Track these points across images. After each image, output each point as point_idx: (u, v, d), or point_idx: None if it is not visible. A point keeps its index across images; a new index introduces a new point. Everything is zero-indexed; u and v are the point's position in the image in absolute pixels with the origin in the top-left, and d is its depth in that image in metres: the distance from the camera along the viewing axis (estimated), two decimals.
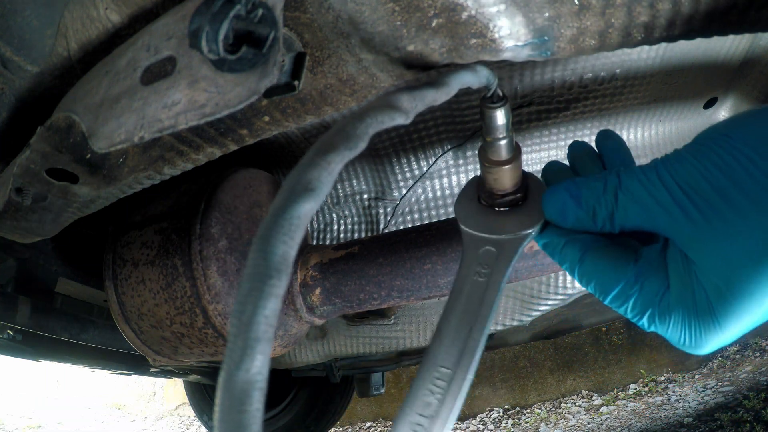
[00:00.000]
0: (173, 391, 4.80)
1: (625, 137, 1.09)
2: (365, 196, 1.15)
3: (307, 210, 0.26)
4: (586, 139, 1.07)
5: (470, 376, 0.43)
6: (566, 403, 3.39)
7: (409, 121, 0.35)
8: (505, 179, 0.55)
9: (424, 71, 0.48)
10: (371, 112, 0.32)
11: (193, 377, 1.94)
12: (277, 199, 0.26)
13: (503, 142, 0.52)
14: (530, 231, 0.51)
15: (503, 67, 0.91)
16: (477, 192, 0.57)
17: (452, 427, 0.41)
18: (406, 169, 1.10)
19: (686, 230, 0.39)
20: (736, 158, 0.37)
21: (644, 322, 0.43)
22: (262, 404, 0.23)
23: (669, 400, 3.02)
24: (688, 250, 0.39)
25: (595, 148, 0.54)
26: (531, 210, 0.53)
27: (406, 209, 1.13)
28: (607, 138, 0.52)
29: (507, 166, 0.53)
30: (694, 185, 0.38)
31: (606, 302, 0.45)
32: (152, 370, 1.71)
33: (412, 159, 1.09)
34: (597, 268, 0.45)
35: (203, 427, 2.64)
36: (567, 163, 0.56)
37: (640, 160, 1.11)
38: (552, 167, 0.54)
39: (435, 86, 0.40)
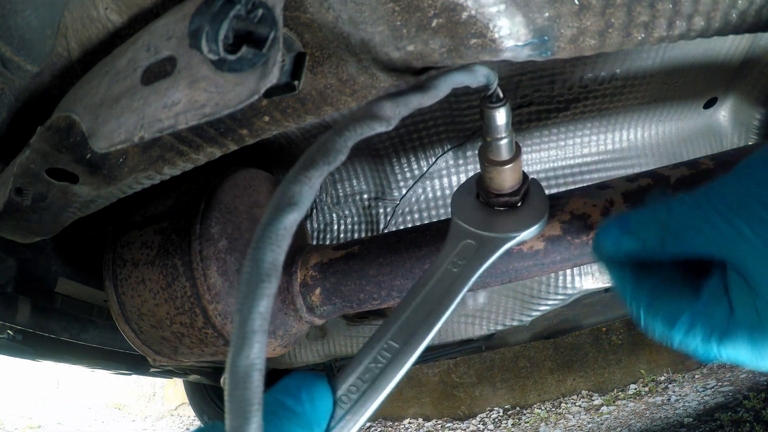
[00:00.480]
0: (173, 391, 4.79)
1: (625, 137, 1.10)
2: (365, 196, 1.15)
3: (291, 221, 0.30)
4: (585, 139, 1.08)
5: (414, 357, 0.44)
6: (566, 403, 3.39)
7: (391, 127, 0.38)
8: (505, 179, 0.55)
9: (425, 72, 0.48)
10: (350, 125, 0.35)
11: (193, 377, 1.94)
12: (266, 213, 0.31)
13: (503, 143, 0.52)
14: (514, 235, 0.51)
15: (503, 67, 0.91)
16: (477, 187, 0.57)
17: (384, 398, 0.43)
18: (406, 169, 1.10)
19: (742, 251, 0.40)
20: None
21: (713, 349, 0.44)
22: (262, 383, 0.28)
23: (669, 400, 3.02)
24: (746, 269, 0.41)
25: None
26: (523, 215, 0.53)
27: (406, 209, 1.13)
28: None
29: (507, 166, 0.53)
30: (744, 206, 0.39)
31: (672, 337, 0.46)
32: (152, 370, 1.70)
33: (412, 159, 1.09)
34: (666, 316, 0.47)
35: None
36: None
37: (640, 160, 1.11)
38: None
39: (421, 90, 0.41)
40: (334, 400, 0.43)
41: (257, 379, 0.28)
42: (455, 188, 1.11)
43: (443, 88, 0.43)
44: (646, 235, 0.45)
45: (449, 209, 1.11)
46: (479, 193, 0.58)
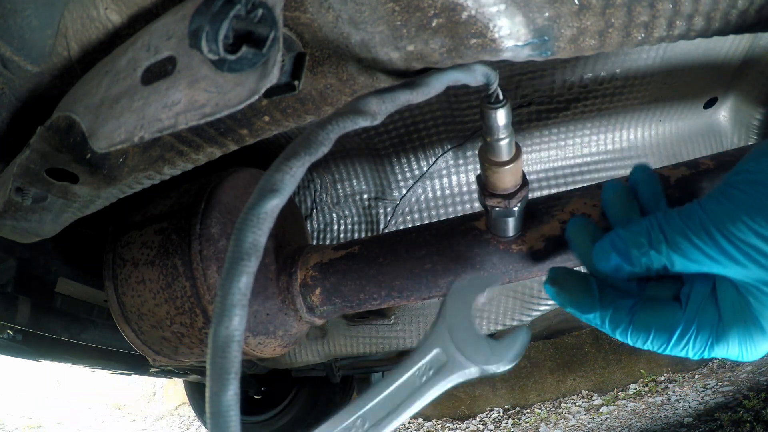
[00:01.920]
0: (173, 391, 4.80)
1: (625, 137, 1.10)
2: (365, 196, 1.15)
3: (272, 206, 0.32)
4: (585, 139, 1.08)
5: None
6: (566, 403, 3.39)
7: (376, 122, 0.39)
8: (505, 179, 0.55)
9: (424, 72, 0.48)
10: (334, 118, 0.37)
11: (193, 377, 1.94)
12: (250, 199, 0.33)
13: (503, 143, 0.52)
14: (478, 367, 0.51)
15: (503, 67, 0.91)
16: (475, 296, 0.56)
17: None
18: (406, 169, 1.10)
19: (738, 274, 0.43)
20: None
21: (705, 353, 0.47)
22: (239, 354, 0.31)
23: (669, 400, 3.02)
24: (741, 288, 0.45)
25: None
26: (499, 351, 0.52)
27: (406, 209, 1.13)
28: (643, 172, 0.56)
29: (507, 167, 0.53)
30: (740, 236, 0.41)
31: (668, 351, 0.49)
32: (152, 370, 1.70)
33: (412, 159, 1.09)
34: (649, 327, 0.49)
35: (203, 427, 2.63)
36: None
37: (641, 160, 1.11)
38: (577, 224, 0.57)
39: (410, 87, 0.42)
40: None
41: (236, 350, 0.30)
42: (455, 188, 1.12)
43: (435, 86, 0.43)
44: (647, 263, 0.47)
45: (450, 209, 1.12)
46: (480, 191, 0.58)
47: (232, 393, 0.29)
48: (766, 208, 0.40)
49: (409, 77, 0.48)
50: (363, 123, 0.38)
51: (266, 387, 2.42)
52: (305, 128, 0.99)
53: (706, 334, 0.46)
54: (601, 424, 3.03)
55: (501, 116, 0.50)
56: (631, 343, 0.50)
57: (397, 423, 0.47)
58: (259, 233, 0.32)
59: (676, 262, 0.46)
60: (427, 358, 0.51)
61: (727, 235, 0.42)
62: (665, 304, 0.49)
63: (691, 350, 0.47)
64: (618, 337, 0.51)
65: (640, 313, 0.49)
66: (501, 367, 0.52)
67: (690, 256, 0.44)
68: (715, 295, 0.47)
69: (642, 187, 0.54)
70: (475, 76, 0.46)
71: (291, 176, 0.33)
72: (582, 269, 0.57)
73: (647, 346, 0.49)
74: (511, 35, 0.42)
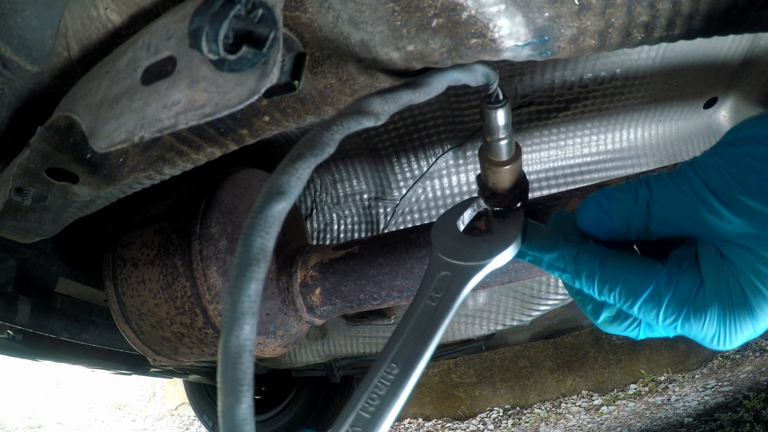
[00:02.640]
0: (173, 391, 4.80)
1: (625, 137, 1.10)
2: (365, 196, 1.15)
3: (279, 209, 0.31)
4: (585, 139, 1.08)
5: (403, 393, 0.45)
6: (566, 403, 3.39)
7: (380, 122, 0.39)
8: (505, 179, 0.55)
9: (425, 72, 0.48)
10: (338, 119, 0.36)
11: (193, 377, 1.94)
12: (256, 203, 0.32)
13: (503, 143, 0.52)
14: (486, 261, 0.51)
15: (503, 67, 0.91)
16: (458, 216, 0.56)
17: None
18: (406, 169, 1.10)
19: (723, 233, 0.40)
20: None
21: (678, 323, 0.42)
22: (252, 364, 0.29)
23: (669, 400, 3.02)
24: (724, 248, 0.40)
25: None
26: (497, 240, 0.52)
27: (406, 209, 1.13)
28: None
29: (507, 167, 0.53)
30: (728, 190, 0.39)
31: (635, 308, 0.44)
32: (152, 370, 1.70)
33: (412, 159, 1.09)
34: (622, 273, 0.44)
35: (203, 427, 2.64)
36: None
37: (640, 160, 1.11)
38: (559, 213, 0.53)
39: (412, 87, 0.42)
40: None
41: (248, 360, 0.29)
42: (455, 188, 1.12)
43: (436, 85, 0.43)
44: (628, 216, 0.44)
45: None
46: (480, 191, 0.58)
47: (246, 406, 0.28)
48: (759, 167, 0.37)
49: (409, 77, 0.48)
50: (367, 123, 0.38)
51: (266, 387, 2.42)
52: (305, 128, 0.99)
53: (683, 297, 0.42)
54: (601, 424, 3.03)
55: (501, 116, 0.50)
56: (595, 294, 0.45)
57: (427, 354, 0.46)
58: (267, 237, 0.31)
59: (659, 221, 0.42)
60: (434, 283, 0.50)
61: (713, 188, 0.39)
62: (644, 258, 0.45)
63: (662, 314, 0.42)
64: (583, 285, 0.46)
65: (614, 258, 0.45)
66: (510, 249, 0.51)
67: (675, 211, 0.41)
68: (698, 261, 0.43)
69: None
70: (475, 76, 0.46)
71: (297, 178, 0.33)
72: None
73: (612, 299, 0.44)
74: (511, 35, 0.42)
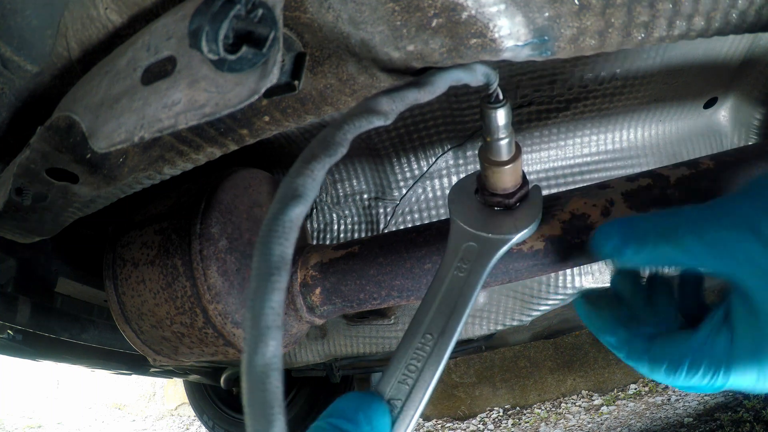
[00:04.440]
0: (173, 391, 4.79)
1: (625, 137, 1.10)
2: (365, 196, 1.15)
3: (297, 213, 0.30)
4: (585, 139, 1.08)
5: (441, 365, 0.46)
6: (566, 403, 3.39)
7: (389, 121, 0.38)
8: (505, 179, 0.55)
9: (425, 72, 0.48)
10: (349, 119, 0.36)
11: (193, 377, 1.94)
12: (272, 207, 0.30)
13: (503, 143, 0.52)
14: (513, 236, 0.51)
15: (503, 67, 0.91)
16: (475, 186, 0.57)
17: (427, 400, 0.45)
18: (406, 169, 1.10)
19: (747, 273, 0.39)
20: None
21: (719, 382, 0.43)
22: (281, 383, 0.27)
23: (669, 400, 3.02)
24: (751, 291, 0.40)
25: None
26: (521, 216, 0.53)
27: (406, 209, 1.13)
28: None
29: (507, 167, 0.53)
30: (754, 225, 0.38)
31: (680, 384, 0.45)
32: (152, 370, 1.71)
33: (412, 159, 1.09)
34: (663, 358, 0.45)
35: (203, 427, 2.64)
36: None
37: (640, 160, 1.11)
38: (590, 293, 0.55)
39: (417, 86, 0.42)
40: (391, 418, 0.43)
41: (276, 379, 0.27)
42: None
43: (440, 84, 0.43)
44: (654, 246, 0.43)
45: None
46: (478, 191, 0.58)
47: (279, 430, 0.26)
48: None
49: (409, 77, 0.48)
50: (377, 122, 0.37)
51: None
52: (305, 128, 0.99)
53: (715, 361, 0.42)
54: (601, 424, 3.03)
55: (501, 116, 0.50)
56: (657, 379, 0.46)
57: (462, 323, 0.46)
58: (287, 244, 0.29)
59: (690, 253, 0.41)
60: (459, 254, 0.51)
61: (747, 228, 0.38)
62: (682, 331, 0.45)
63: (703, 382, 0.42)
64: (644, 371, 0.47)
65: (659, 341, 0.45)
66: (533, 225, 0.52)
67: (705, 244, 0.40)
68: (730, 316, 0.42)
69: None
70: (475, 76, 0.46)
71: (313, 180, 0.31)
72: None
73: (669, 381, 0.45)
74: (511, 35, 0.42)
